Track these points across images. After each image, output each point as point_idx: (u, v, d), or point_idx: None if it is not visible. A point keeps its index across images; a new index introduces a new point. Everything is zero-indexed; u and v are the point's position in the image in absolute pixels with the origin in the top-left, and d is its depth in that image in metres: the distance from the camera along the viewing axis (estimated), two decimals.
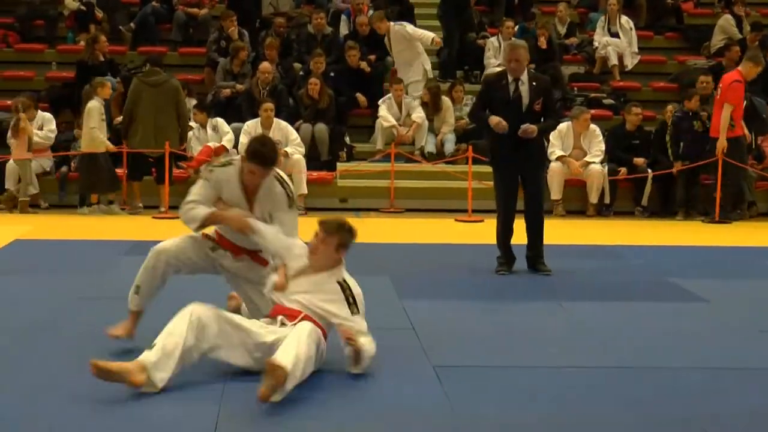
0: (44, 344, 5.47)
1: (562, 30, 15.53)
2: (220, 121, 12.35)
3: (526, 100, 7.68)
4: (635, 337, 5.91)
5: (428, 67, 13.85)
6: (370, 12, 14.41)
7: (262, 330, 4.78)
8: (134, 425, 4.13)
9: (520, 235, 7.95)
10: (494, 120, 7.59)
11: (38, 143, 11.97)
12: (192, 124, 12.40)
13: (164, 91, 11.75)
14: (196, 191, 5.25)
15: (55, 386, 4.63)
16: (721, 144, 11.62)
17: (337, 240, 5.04)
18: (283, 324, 4.82)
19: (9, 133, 11.78)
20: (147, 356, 4.49)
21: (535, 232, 7.91)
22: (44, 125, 12.18)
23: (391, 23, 13.68)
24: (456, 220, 11.54)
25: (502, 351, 5.53)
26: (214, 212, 5.18)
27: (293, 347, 4.47)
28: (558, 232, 9.33)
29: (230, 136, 12.26)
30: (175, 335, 4.54)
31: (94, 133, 11.33)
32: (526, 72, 7.75)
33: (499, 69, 13.30)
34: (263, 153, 5.10)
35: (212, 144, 12.15)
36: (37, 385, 4.66)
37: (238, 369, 4.76)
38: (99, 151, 11.39)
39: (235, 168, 5.19)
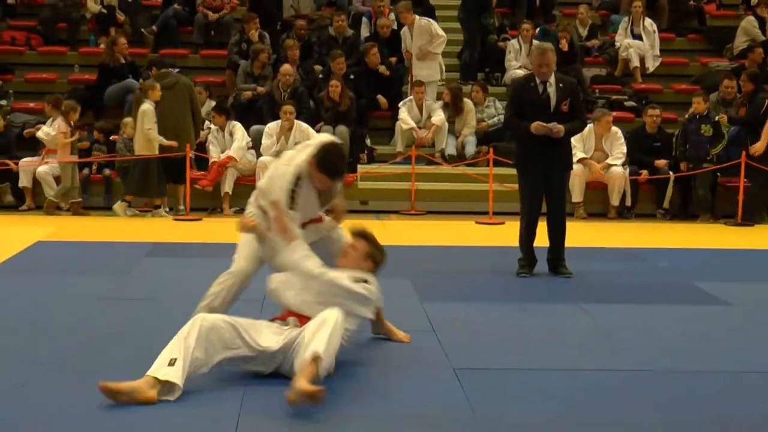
0: (62, 345, 5.47)
1: (584, 32, 15.49)
2: (236, 127, 12.32)
3: (553, 102, 7.68)
4: (656, 340, 5.88)
5: (443, 67, 13.86)
6: (391, 15, 14.40)
7: (271, 338, 4.72)
8: None
9: (541, 238, 7.94)
10: (534, 124, 7.57)
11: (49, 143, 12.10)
12: (211, 126, 12.43)
13: (178, 91, 11.85)
14: (294, 227, 5.05)
15: (69, 388, 4.62)
16: (760, 147, 11.57)
17: (366, 247, 5.18)
18: (296, 326, 4.79)
19: (57, 135, 11.85)
20: (162, 371, 4.38)
21: (557, 234, 7.89)
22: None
23: (417, 17, 13.69)
24: (477, 222, 11.52)
25: (522, 353, 5.51)
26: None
27: (326, 336, 4.48)
28: (579, 234, 9.29)
29: (241, 143, 12.17)
30: (183, 344, 4.47)
31: (150, 134, 11.46)
32: (553, 74, 7.74)
33: (520, 71, 13.46)
34: (337, 167, 5.18)
35: (220, 158, 12.14)
36: (50, 386, 4.66)
37: (256, 374, 4.77)
38: (155, 152, 11.52)
39: (305, 177, 5.10)
